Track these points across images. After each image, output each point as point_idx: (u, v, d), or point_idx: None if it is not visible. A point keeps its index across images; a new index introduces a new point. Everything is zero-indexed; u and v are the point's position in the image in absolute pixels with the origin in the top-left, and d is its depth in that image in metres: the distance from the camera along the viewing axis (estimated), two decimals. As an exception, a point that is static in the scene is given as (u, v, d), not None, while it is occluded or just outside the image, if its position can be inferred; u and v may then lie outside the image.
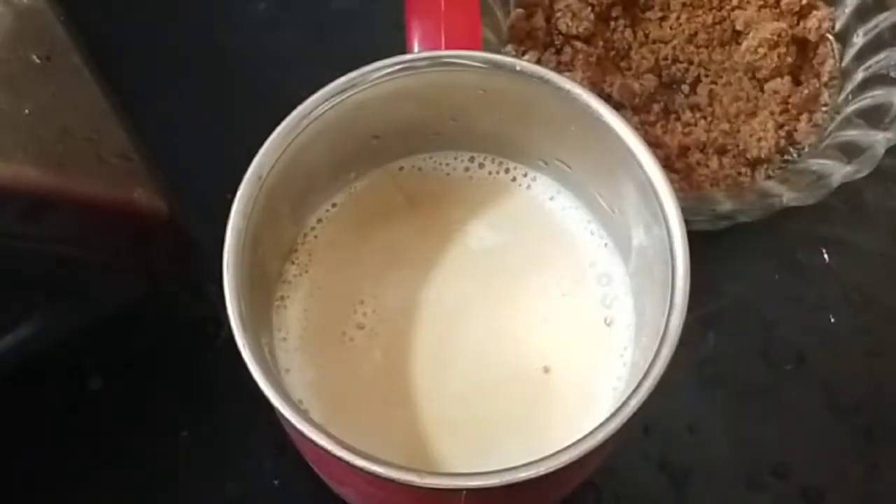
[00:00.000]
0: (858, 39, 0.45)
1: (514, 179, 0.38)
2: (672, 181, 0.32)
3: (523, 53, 0.45)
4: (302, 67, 0.48)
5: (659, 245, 0.32)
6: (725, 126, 0.44)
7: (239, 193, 0.32)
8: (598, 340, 0.35)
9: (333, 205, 0.37)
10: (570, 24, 0.45)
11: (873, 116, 0.42)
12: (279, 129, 0.33)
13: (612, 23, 0.46)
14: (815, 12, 0.46)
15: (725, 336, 0.43)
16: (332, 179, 0.37)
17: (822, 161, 0.42)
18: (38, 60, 0.35)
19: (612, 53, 0.46)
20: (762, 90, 0.45)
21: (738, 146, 0.44)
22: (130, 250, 0.38)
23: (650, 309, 0.33)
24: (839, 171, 0.40)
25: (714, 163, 0.44)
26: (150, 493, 0.41)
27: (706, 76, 0.45)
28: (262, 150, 0.32)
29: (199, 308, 0.43)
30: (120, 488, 0.41)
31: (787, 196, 0.40)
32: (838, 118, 0.44)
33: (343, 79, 0.33)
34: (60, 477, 0.41)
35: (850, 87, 0.44)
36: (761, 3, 0.46)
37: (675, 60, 0.46)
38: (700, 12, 0.46)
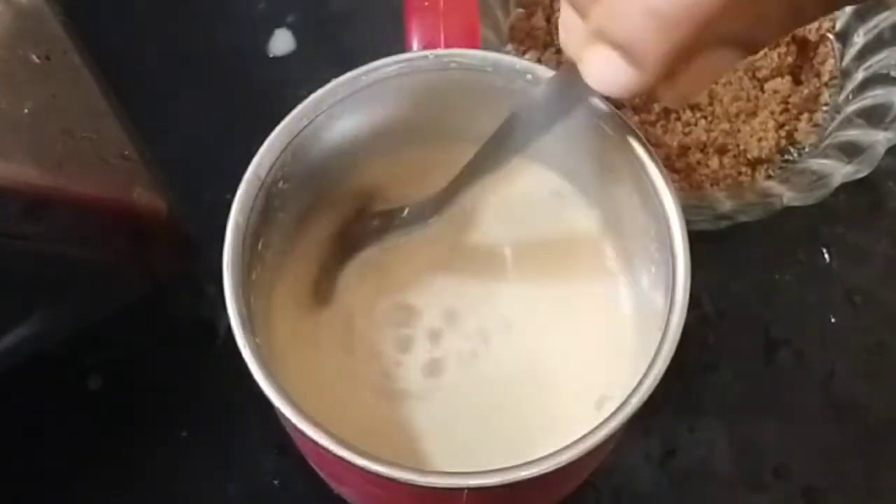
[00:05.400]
0: (859, 39, 0.45)
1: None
2: (672, 181, 0.32)
3: (523, 53, 0.45)
4: (302, 67, 0.48)
5: (659, 245, 0.32)
6: (726, 126, 0.44)
7: (239, 193, 0.32)
8: (598, 338, 0.35)
9: (331, 203, 0.37)
10: (570, 23, 0.45)
11: (873, 116, 0.42)
12: (279, 129, 0.33)
13: (612, 23, 0.46)
14: (815, 12, 0.46)
15: (725, 336, 0.43)
16: (331, 178, 0.37)
17: (822, 161, 0.42)
18: (37, 60, 0.35)
19: (612, 53, 0.46)
20: (762, 90, 0.45)
21: (738, 146, 0.44)
22: (130, 250, 0.38)
23: (651, 308, 0.33)
24: (839, 171, 0.40)
25: (714, 162, 0.44)
26: (150, 492, 0.41)
27: (706, 76, 0.45)
28: (261, 150, 0.32)
29: (199, 308, 0.43)
30: (120, 488, 0.41)
31: (788, 196, 0.40)
32: (838, 118, 0.44)
33: (343, 78, 0.34)
34: (60, 476, 0.41)
35: (850, 86, 0.44)
36: (761, 2, 0.46)
37: (676, 60, 0.45)
38: (700, 12, 0.46)
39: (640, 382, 0.29)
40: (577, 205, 0.37)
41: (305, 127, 0.33)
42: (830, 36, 0.46)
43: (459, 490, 0.29)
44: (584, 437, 0.29)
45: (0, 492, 0.40)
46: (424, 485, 0.28)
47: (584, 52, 0.27)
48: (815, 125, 0.45)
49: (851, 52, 0.45)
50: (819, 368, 0.43)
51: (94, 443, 0.41)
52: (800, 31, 0.45)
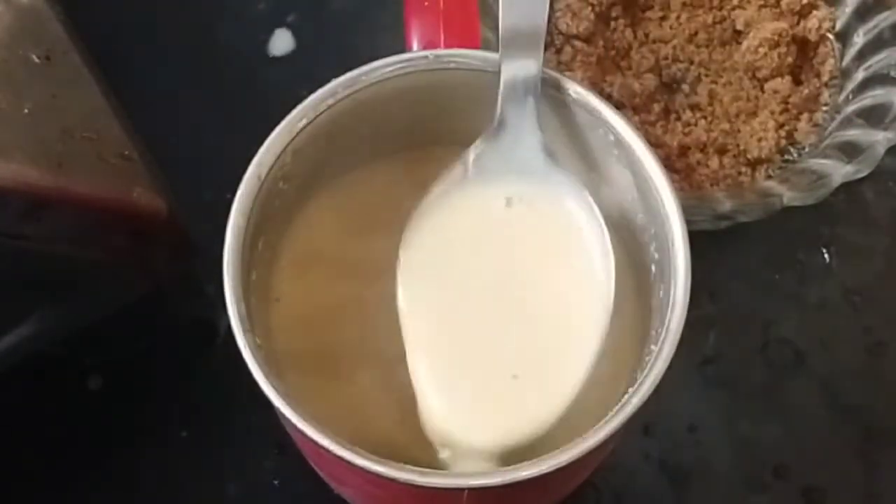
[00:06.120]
0: (859, 39, 0.45)
1: None
2: (672, 181, 0.32)
3: (523, 53, 0.45)
4: (302, 67, 0.48)
5: (659, 245, 0.32)
6: (726, 126, 0.44)
7: (239, 193, 0.32)
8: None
9: (332, 203, 0.37)
10: (570, 23, 0.45)
11: (873, 116, 0.42)
12: (279, 129, 0.33)
13: (612, 22, 0.46)
14: (815, 12, 0.46)
15: (725, 336, 0.43)
16: (331, 179, 0.37)
17: (822, 161, 0.42)
18: (37, 60, 0.35)
19: (612, 53, 0.46)
20: (762, 90, 0.45)
21: (738, 146, 0.44)
22: (130, 250, 0.38)
23: (650, 309, 0.33)
24: (839, 171, 0.40)
25: (714, 163, 0.44)
26: (150, 493, 0.41)
27: (706, 76, 0.45)
28: (261, 150, 0.32)
29: (199, 308, 0.43)
30: (120, 488, 0.41)
31: (788, 196, 0.40)
32: (838, 118, 0.44)
33: (343, 78, 0.34)
34: (60, 476, 0.41)
35: (850, 86, 0.44)
36: (762, 2, 0.46)
37: (676, 60, 0.46)
38: (700, 12, 0.46)
39: (641, 382, 0.29)
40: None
41: (305, 127, 0.33)
42: (830, 36, 0.46)
43: (460, 490, 0.29)
44: (584, 437, 0.29)
45: (0, 491, 0.40)
46: (424, 485, 0.28)
47: None
48: (815, 125, 0.45)
49: (851, 52, 0.45)
50: (819, 368, 0.43)
51: (94, 443, 0.41)
52: (800, 31, 0.45)
